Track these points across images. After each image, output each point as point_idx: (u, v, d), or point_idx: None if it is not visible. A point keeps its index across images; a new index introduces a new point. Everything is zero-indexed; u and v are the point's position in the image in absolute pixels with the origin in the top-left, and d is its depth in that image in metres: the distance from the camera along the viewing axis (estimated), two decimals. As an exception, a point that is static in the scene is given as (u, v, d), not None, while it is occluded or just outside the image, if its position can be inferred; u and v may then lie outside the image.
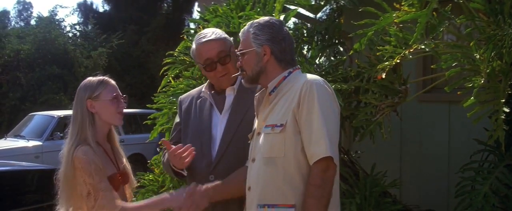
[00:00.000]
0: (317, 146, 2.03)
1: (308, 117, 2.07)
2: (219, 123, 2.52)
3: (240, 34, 2.33)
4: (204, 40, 2.50)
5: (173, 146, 2.37)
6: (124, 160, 2.54)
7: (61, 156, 2.36)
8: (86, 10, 21.29)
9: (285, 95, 2.17)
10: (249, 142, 2.32)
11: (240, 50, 2.27)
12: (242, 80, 2.34)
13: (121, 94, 2.45)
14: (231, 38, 2.68)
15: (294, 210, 2.08)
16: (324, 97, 2.10)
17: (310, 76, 2.20)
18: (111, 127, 2.49)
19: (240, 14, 3.54)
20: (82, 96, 2.38)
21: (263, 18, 2.30)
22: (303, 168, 2.09)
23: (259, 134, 2.21)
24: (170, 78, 3.92)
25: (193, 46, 2.56)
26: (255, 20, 2.29)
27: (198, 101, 2.61)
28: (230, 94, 2.53)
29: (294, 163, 2.10)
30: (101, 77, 2.42)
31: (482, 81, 2.51)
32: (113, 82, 2.44)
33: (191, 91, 2.77)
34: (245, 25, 3.52)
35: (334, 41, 3.76)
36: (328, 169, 2.04)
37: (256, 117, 2.30)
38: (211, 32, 2.53)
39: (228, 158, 2.43)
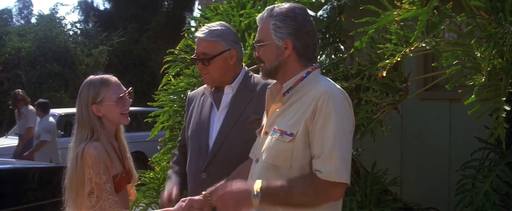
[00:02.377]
0: (325, 164, 1.85)
1: (321, 132, 1.88)
2: (216, 121, 2.50)
3: (257, 19, 2.10)
4: (198, 34, 2.50)
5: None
6: (128, 155, 2.51)
7: (70, 158, 2.29)
8: (86, 8, 21.29)
9: (300, 100, 1.99)
10: (258, 136, 2.18)
11: (258, 42, 2.06)
12: (260, 73, 2.17)
13: (125, 89, 2.39)
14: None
15: None
16: (341, 111, 1.91)
17: (330, 85, 2.00)
18: (119, 127, 2.47)
19: (241, 12, 3.54)
20: (86, 100, 2.31)
21: (285, 6, 2.04)
22: None
23: (266, 133, 2.07)
24: (170, 76, 3.93)
25: None
26: (276, 7, 2.04)
27: (202, 98, 2.61)
28: (228, 92, 2.51)
29: (300, 175, 1.94)
30: (102, 77, 2.36)
31: (483, 79, 2.51)
32: (114, 80, 2.37)
33: (198, 89, 2.76)
34: (246, 23, 3.56)
35: (335, 39, 3.76)
36: (324, 192, 1.86)
37: (265, 112, 2.16)
38: (211, 29, 2.48)
39: (221, 157, 2.41)
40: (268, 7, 2.08)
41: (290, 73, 2.02)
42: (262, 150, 2.04)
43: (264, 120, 2.15)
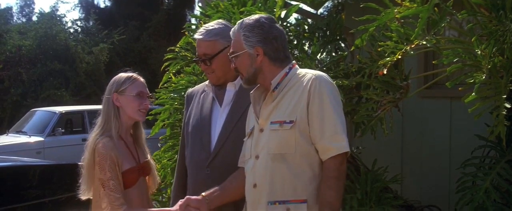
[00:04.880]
0: (336, 141, 2.05)
1: (320, 112, 2.06)
2: (219, 117, 2.52)
3: (231, 33, 2.27)
4: (197, 36, 2.54)
5: None
6: (148, 156, 2.60)
7: (86, 145, 2.44)
8: (87, 6, 21.25)
9: (290, 91, 2.14)
10: (244, 140, 2.29)
11: (232, 53, 2.22)
12: (241, 82, 2.32)
13: (147, 92, 2.53)
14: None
15: (306, 205, 2.07)
16: (333, 92, 2.13)
17: (314, 71, 2.19)
18: (138, 122, 2.57)
19: (241, 9, 3.53)
20: (110, 89, 2.49)
21: (252, 18, 2.22)
22: (314, 163, 2.10)
23: (261, 131, 2.17)
24: (171, 74, 3.93)
25: None
26: (244, 20, 2.23)
27: (202, 95, 2.64)
28: (231, 89, 2.53)
29: (306, 159, 2.09)
30: (130, 74, 2.53)
31: (484, 77, 2.51)
32: (141, 79, 2.53)
33: (197, 86, 2.79)
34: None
35: (335, 36, 3.76)
36: (343, 162, 2.07)
37: (254, 114, 2.25)
38: (209, 29, 2.51)
39: (225, 152, 2.43)
40: (239, 21, 2.25)
41: (269, 75, 2.18)
42: (262, 145, 2.15)
43: (251, 121, 2.28)
